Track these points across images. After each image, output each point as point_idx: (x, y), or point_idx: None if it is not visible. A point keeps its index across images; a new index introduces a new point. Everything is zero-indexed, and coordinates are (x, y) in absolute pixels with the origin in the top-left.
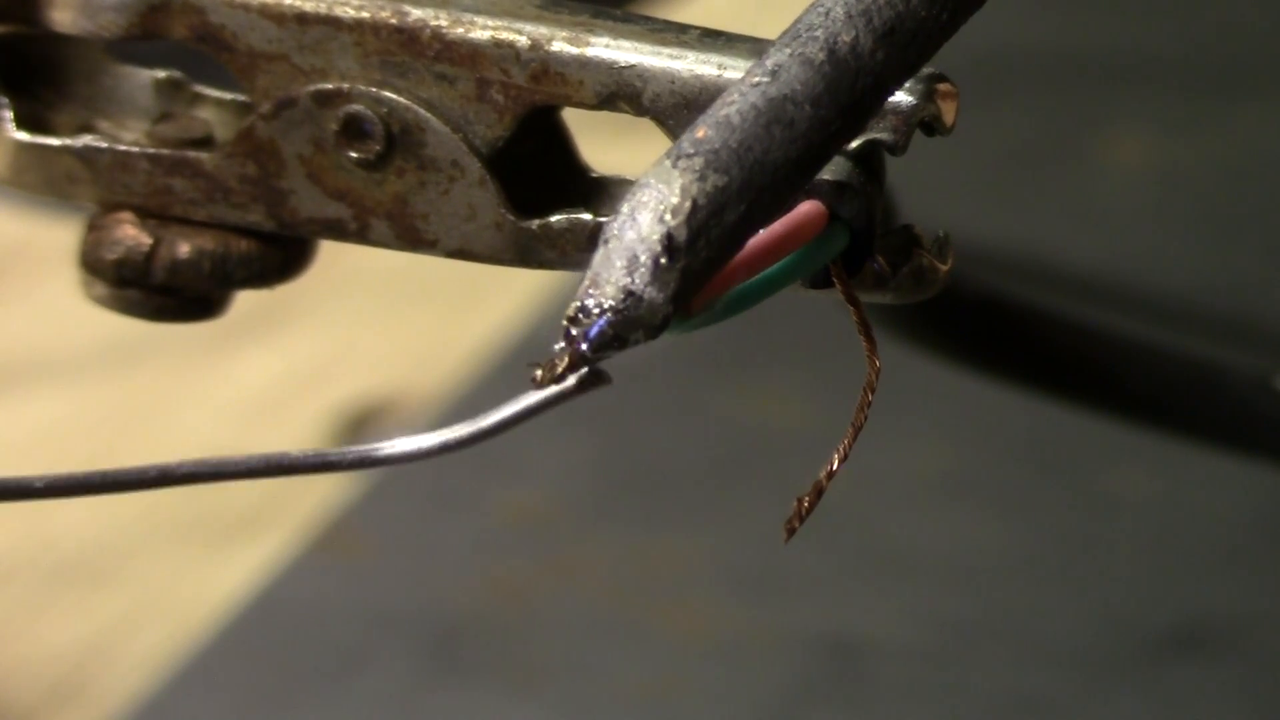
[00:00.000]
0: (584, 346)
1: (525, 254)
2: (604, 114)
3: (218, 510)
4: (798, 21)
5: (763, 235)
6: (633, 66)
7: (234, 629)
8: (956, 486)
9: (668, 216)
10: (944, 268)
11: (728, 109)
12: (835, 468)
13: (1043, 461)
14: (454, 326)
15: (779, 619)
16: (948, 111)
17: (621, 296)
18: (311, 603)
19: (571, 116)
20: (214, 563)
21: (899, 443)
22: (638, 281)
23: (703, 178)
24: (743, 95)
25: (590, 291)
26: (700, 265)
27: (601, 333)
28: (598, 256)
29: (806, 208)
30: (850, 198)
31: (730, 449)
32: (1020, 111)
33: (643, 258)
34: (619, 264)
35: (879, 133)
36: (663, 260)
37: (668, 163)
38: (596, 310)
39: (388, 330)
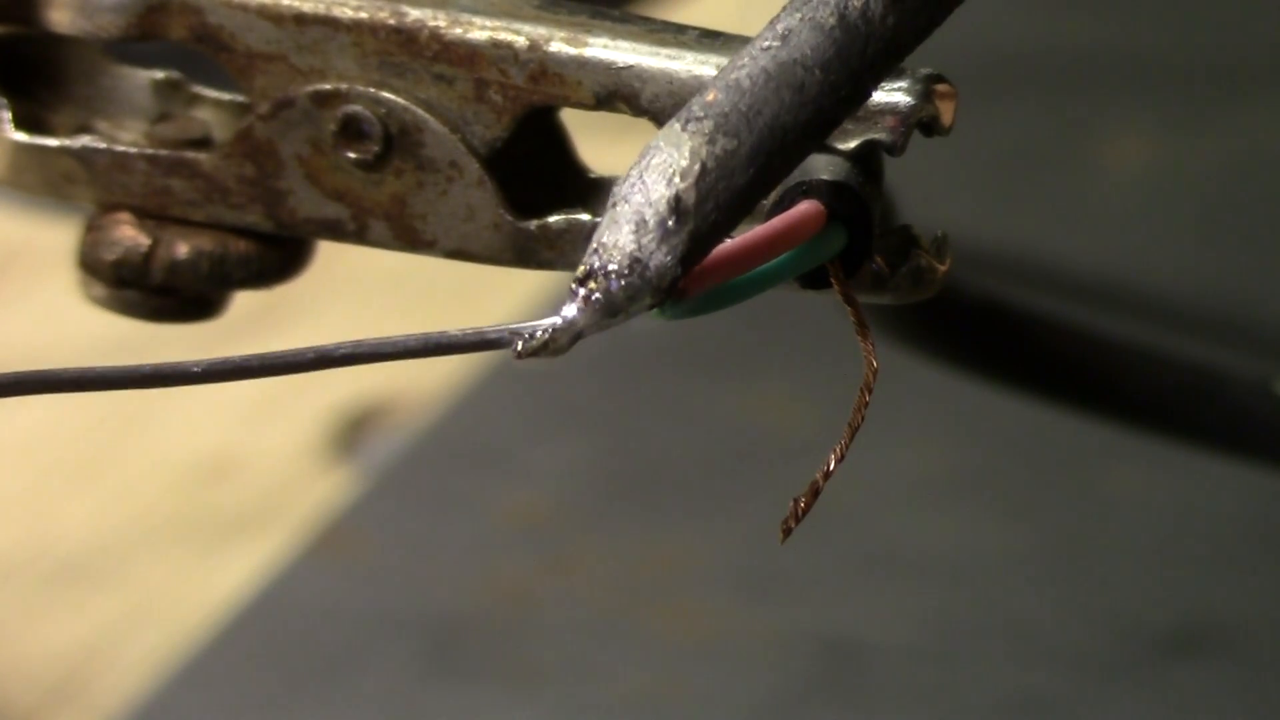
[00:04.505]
0: (591, 308)
1: (524, 254)
2: (602, 114)
3: (218, 510)
4: None
5: (760, 231)
6: (631, 67)
7: (234, 629)
8: (956, 487)
9: (676, 179)
10: (942, 268)
11: (738, 73)
12: (832, 468)
13: (1043, 462)
14: (453, 327)
15: (779, 619)
16: (946, 112)
17: (629, 259)
18: (311, 603)
19: (570, 117)
20: (214, 563)
21: (897, 443)
22: (645, 244)
23: (712, 141)
24: (753, 59)
25: (598, 254)
26: (708, 228)
27: (609, 294)
28: (605, 219)
29: (805, 207)
30: (848, 198)
31: (730, 449)
32: (1020, 111)
33: (650, 221)
34: (626, 227)
35: (877, 133)
36: (670, 223)
37: (677, 126)
38: (604, 272)
39: (388, 330)
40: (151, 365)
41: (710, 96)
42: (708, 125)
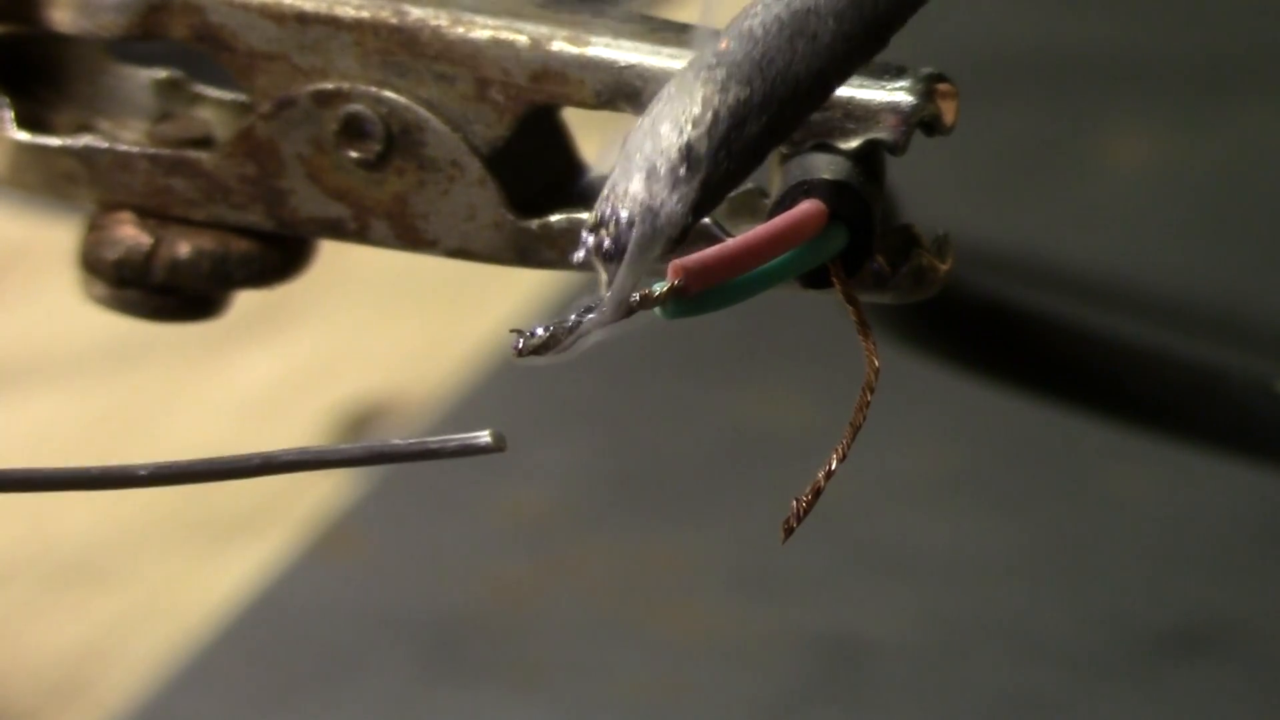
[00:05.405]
0: (604, 254)
1: (525, 254)
2: (604, 113)
3: (218, 510)
4: None
5: (762, 230)
6: (633, 66)
7: (234, 629)
8: (956, 486)
9: (688, 127)
10: (943, 267)
11: (750, 21)
12: (834, 468)
13: (1043, 462)
14: (454, 326)
15: (779, 619)
16: (948, 111)
17: (640, 206)
18: (311, 603)
19: (571, 116)
20: (214, 563)
21: (898, 443)
22: (656, 191)
23: (724, 89)
24: (766, 7)
25: (609, 200)
26: (720, 177)
27: (620, 241)
28: (617, 168)
29: (807, 206)
30: (850, 198)
31: (730, 449)
32: (1020, 111)
33: (662, 169)
34: (638, 175)
35: (879, 133)
36: (681, 171)
37: (689, 74)
38: (615, 219)
39: (388, 330)
40: (100, 468)
41: (723, 45)
42: (720, 73)
